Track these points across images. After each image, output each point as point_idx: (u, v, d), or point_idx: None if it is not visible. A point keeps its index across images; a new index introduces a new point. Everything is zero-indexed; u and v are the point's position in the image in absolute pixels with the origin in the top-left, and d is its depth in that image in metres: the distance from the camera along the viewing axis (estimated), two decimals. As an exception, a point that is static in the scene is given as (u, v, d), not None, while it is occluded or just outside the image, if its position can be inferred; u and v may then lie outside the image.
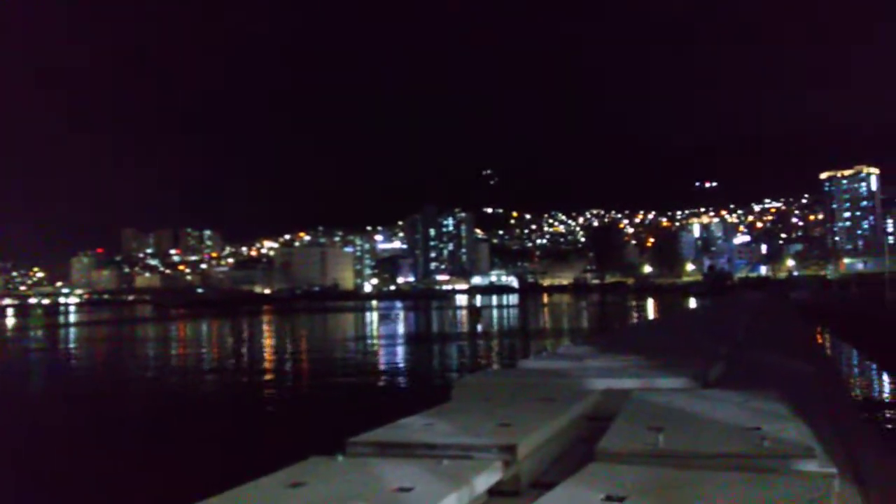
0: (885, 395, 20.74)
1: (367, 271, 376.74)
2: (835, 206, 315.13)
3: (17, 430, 18.42)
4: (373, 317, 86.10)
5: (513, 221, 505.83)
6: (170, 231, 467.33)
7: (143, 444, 15.67)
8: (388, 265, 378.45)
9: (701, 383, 5.90)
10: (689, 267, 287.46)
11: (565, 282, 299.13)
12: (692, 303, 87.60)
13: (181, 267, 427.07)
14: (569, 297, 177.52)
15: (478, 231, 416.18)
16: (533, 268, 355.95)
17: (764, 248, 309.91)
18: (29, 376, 32.79)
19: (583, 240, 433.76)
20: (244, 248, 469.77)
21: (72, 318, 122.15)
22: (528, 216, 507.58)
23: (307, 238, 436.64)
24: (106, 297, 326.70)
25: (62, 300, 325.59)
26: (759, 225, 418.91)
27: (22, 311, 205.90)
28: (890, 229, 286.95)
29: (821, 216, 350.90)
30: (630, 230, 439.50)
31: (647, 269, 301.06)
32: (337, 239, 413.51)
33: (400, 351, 39.11)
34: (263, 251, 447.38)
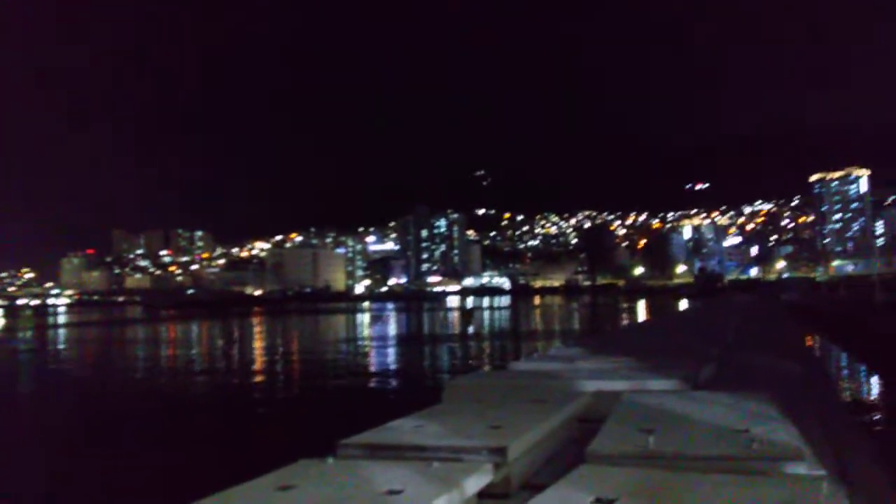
0: (874, 398, 20.86)
1: (359, 272, 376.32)
2: (825, 208, 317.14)
3: (3, 431, 18.30)
4: (364, 318, 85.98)
5: (505, 223, 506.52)
6: (161, 232, 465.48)
7: (131, 447, 15.59)
8: (379, 266, 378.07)
9: (691, 385, 5.91)
10: (681, 268, 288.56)
11: (557, 283, 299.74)
12: (683, 304, 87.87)
13: (172, 268, 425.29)
14: (560, 298, 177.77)
15: (470, 232, 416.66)
16: (524, 269, 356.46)
17: (754, 250, 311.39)
18: (17, 378, 32.56)
19: (574, 241, 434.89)
20: (235, 249, 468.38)
21: (61, 319, 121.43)
22: (519, 218, 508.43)
23: (299, 239, 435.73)
24: (96, 298, 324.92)
25: (52, 301, 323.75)
26: (750, 227, 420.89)
27: (11, 311, 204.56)
28: (879, 231, 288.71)
29: (811, 218, 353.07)
30: (621, 232, 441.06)
31: (639, 270, 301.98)
32: (329, 240, 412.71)
33: (391, 352, 39.05)
34: (255, 252, 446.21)
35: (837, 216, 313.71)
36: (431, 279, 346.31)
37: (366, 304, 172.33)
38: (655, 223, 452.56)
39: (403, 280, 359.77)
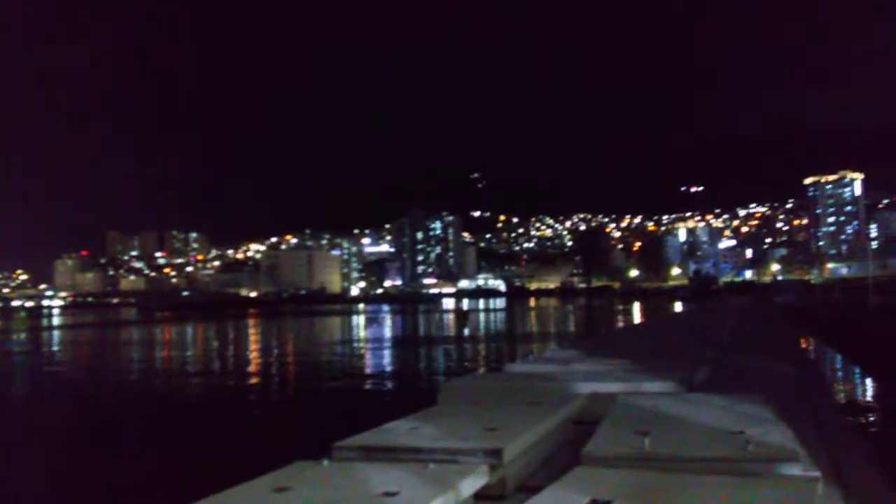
0: (869, 399, 20.92)
1: (354, 275, 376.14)
2: (819, 210, 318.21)
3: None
4: (359, 320, 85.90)
5: (500, 225, 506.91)
6: (155, 233, 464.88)
7: (126, 449, 15.54)
8: (375, 268, 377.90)
9: (686, 387, 5.92)
10: (675, 271, 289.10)
11: (552, 285, 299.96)
12: (678, 307, 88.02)
13: (166, 269, 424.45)
14: (555, 300, 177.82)
15: (465, 234, 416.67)
16: (520, 271, 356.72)
17: (749, 253, 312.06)
18: (10, 379, 32.43)
19: (570, 244, 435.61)
20: (230, 251, 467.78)
21: (55, 320, 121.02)
22: (515, 220, 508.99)
23: (294, 241, 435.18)
24: (90, 299, 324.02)
25: (46, 303, 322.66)
26: (745, 229, 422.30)
27: (5, 313, 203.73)
28: (873, 234, 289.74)
29: (805, 221, 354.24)
30: (617, 234, 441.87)
31: (634, 273, 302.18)
32: (324, 242, 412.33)
33: (386, 354, 39.02)
34: (250, 254, 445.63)
35: (832, 219, 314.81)
36: (427, 281, 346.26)
37: (361, 306, 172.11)
38: (650, 226, 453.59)
39: (399, 282, 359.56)
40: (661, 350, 9.68)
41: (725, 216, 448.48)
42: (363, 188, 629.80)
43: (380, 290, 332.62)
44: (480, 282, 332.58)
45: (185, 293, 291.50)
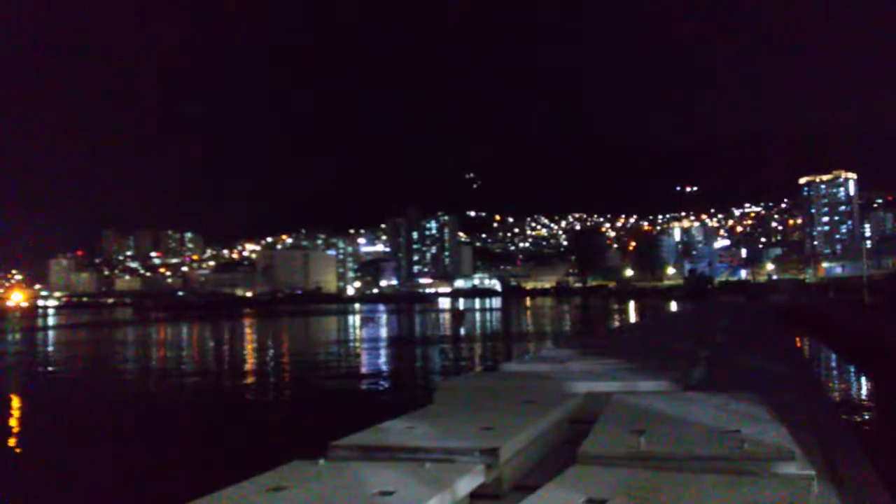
0: (863, 398, 20.98)
1: (350, 274, 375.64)
2: (813, 210, 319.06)
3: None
4: (355, 320, 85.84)
5: (496, 225, 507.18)
6: (150, 233, 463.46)
7: (119, 449, 15.50)
8: (370, 268, 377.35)
9: (682, 386, 5.94)
10: (670, 270, 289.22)
11: (548, 285, 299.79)
12: (673, 306, 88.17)
13: (162, 269, 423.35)
14: (551, 300, 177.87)
15: (461, 234, 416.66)
16: (516, 271, 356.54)
17: (744, 252, 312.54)
18: (4, 379, 32.31)
19: (565, 243, 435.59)
20: (226, 251, 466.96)
21: (50, 320, 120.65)
22: (510, 220, 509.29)
23: (289, 241, 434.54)
24: (85, 299, 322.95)
25: (41, 303, 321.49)
26: (739, 229, 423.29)
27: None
28: (868, 234, 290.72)
29: (800, 220, 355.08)
30: (612, 234, 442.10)
31: (629, 272, 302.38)
32: (319, 242, 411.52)
33: (382, 354, 39.02)
34: (245, 254, 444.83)
35: (826, 219, 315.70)
36: (423, 281, 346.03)
37: (357, 305, 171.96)
38: (645, 225, 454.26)
39: (394, 282, 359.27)
40: (657, 349, 9.69)
41: (720, 216, 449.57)
42: (359, 188, 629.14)
43: (375, 290, 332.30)
44: (476, 281, 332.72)
45: (181, 293, 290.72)
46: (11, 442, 16.89)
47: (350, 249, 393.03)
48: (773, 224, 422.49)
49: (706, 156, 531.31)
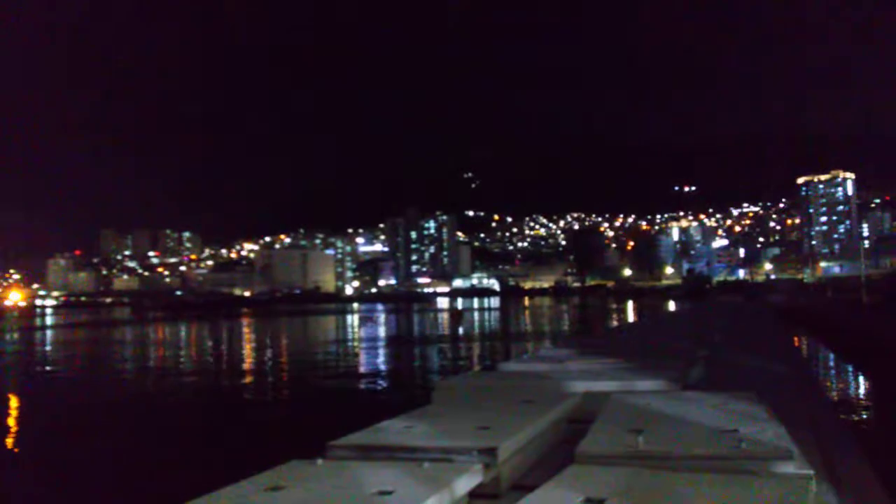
0: (861, 397, 21.01)
1: (349, 274, 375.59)
2: (811, 210, 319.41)
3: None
4: (354, 319, 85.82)
5: (494, 224, 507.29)
6: (148, 233, 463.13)
7: (117, 448, 15.48)
8: (369, 268, 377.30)
9: (680, 385, 5.93)
10: (669, 270, 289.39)
11: (546, 285, 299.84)
12: (671, 306, 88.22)
13: (160, 269, 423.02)
14: (549, 299, 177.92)
15: (459, 234, 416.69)
16: (514, 270, 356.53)
17: (742, 252, 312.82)
18: (2, 379, 32.28)
19: (563, 243, 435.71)
20: (224, 251, 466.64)
21: (48, 320, 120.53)
22: (509, 219, 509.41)
23: (288, 240, 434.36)
24: (83, 299, 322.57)
25: (39, 302, 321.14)
26: (738, 229, 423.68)
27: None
28: (866, 233, 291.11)
29: (798, 220, 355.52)
30: (610, 234, 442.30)
31: (627, 272, 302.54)
32: (318, 241, 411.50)
33: (380, 353, 39.01)
34: (243, 253, 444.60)
35: (824, 218, 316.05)
36: (421, 280, 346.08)
37: (355, 305, 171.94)
38: (644, 225, 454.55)
39: (393, 281, 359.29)
40: (655, 349, 9.69)
41: (719, 215, 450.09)
42: (357, 187, 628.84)
43: (374, 290, 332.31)
44: (475, 281, 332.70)
45: (179, 293, 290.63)
46: (10, 442, 16.89)
47: (348, 249, 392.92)
48: (772, 224, 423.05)
49: (705, 156, 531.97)
